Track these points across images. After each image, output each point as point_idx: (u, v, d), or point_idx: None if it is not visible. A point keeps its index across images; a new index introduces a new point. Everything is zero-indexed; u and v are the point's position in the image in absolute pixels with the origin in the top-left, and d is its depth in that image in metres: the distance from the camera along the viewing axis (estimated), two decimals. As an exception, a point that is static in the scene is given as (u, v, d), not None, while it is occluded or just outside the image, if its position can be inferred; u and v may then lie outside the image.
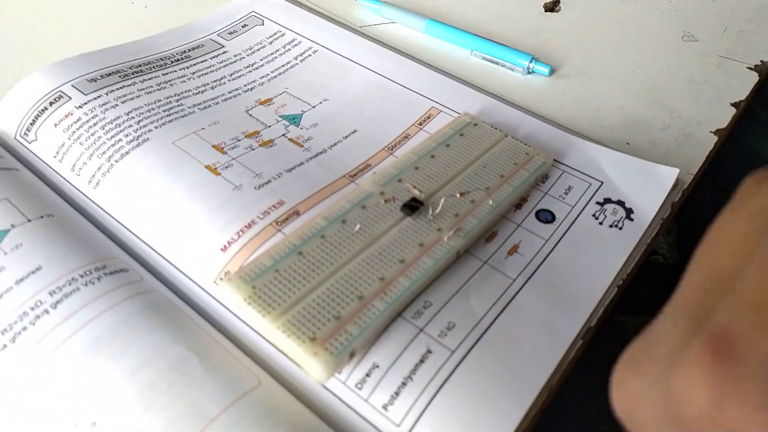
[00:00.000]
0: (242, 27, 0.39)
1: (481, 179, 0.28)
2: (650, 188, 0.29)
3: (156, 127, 0.30)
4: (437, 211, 0.26)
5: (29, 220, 0.25)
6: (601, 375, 0.38)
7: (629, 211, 0.28)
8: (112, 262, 0.25)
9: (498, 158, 0.29)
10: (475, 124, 0.31)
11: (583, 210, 0.28)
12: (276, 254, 0.23)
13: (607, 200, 0.28)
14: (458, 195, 0.26)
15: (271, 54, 0.37)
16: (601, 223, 0.27)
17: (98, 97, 0.31)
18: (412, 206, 0.26)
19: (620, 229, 0.27)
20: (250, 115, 0.32)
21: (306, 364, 0.21)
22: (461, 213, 0.26)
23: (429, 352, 0.22)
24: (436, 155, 0.29)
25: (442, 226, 0.25)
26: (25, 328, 0.22)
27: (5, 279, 0.23)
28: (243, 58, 0.37)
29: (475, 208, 0.26)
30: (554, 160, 0.30)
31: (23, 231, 0.25)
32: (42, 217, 0.26)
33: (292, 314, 0.22)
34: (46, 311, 0.22)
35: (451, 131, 0.30)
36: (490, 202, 0.27)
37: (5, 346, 0.21)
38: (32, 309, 0.22)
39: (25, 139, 0.31)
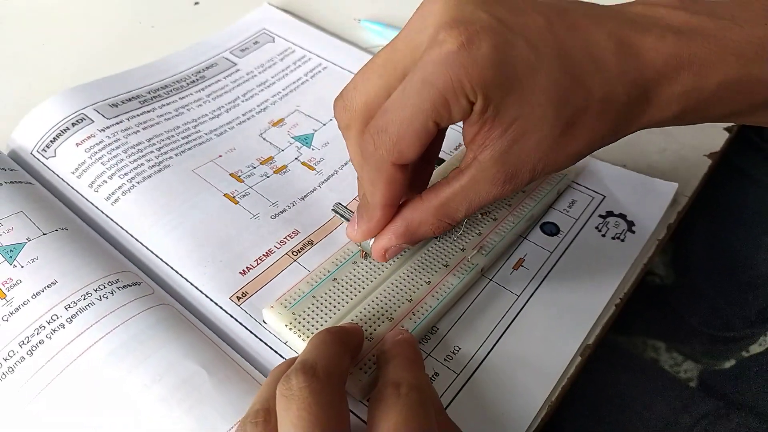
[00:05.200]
0: (254, 44, 0.40)
1: (503, 198, 0.28)
2: (651, 202, 0.29)
3: (176, 155, 0.31)
4: (460, 231, 0.27)
5: (44, 234, 0.26)
6: (600, 396, 0.38)
7: (631, 224, 0.28)
8: (124, 276, 0.25)
9: None
10: None
11: (586, 223, 0.29)
12: (312, 281, 0.25)
13: (610, 213, 0.29)
14: (480, 215, 0.27)
15: (282, 71, 0.38)
16: (603, 236, 0.28)
17: (120, 122, 0.33)
18: None
19: (622, 241, 0.28)
20: (264, 139, 0.33)
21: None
22: (484, 231, 0.27)
23: (436, 374, 0.23)
24: None
25: (465, 245, 0.26)
26: (42, 342, 0.22)
27: (22, 293, 0.23)
28: (255, 76, 0.38)
29: (497, 226, 0.27)
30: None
31: (38, 245, 0.25)
32: (57, 230, 0.26)
33: None
34: (62, 325, 0.23)
35: None
36: (512, 219, 0.27)
37: (23, 358, 0.22)
38: (48, 323, 0.23)
39: (42, 155, 0.31)
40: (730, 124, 0.37)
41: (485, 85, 0.18)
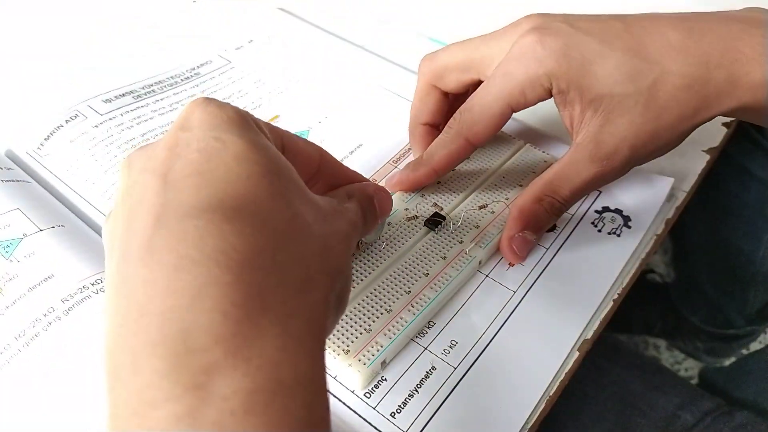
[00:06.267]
0: (248, 42, 0.40)
1: (501, 190, 0.29)
2: (647, 197, 0.29)
3: (170, 148, 0.31)
4: (458, 224, 0.27)
5: (41, 230, 0.26)
6: (602, 393, 0.38)
7: (627, 219, 0.28)
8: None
9: (517, 167, 0.30)
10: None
11: (582, 218, 0.28)
12: None
13: (606, 209, 0.29)
14: (477, 208, 0.27)
15: (278, 69, 0.38)
16: (600, 231, 0.28)
17: (113, 118, 0.33)
18: (435, 221, 0.27)
19: (618, 236, 0.28)
20: (258, 131, 0.33)
21: (342, 375, 0.22)
22: (482, 224, 0.27)
23: (433, 368, 0.23)
24: (457, 168, 0.29)
25: (463, 239, 0.26)
26: (37, 335, 0.22)
27: (18, 286, 0.24)
28: (250, 74, 0.38)
29: (494, 219, 0.27)
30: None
31: (35, 240, 0.25)
32: (53, 227, 0.26)
33: None
34: (59, 318, 0.23)
35: None
36: (509, 212, 0.27)
37: (19, 351, 0.22)
38: (45, 315, 0.23)
39: (38, 154, 0.32)
40: (729, 120, 0.37)
41: (556, 71, 0.23)
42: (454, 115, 0.27)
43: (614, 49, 0.23)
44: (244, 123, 0.16)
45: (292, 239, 0.14)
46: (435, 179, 0.28)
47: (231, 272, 0.13)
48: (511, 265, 0.26)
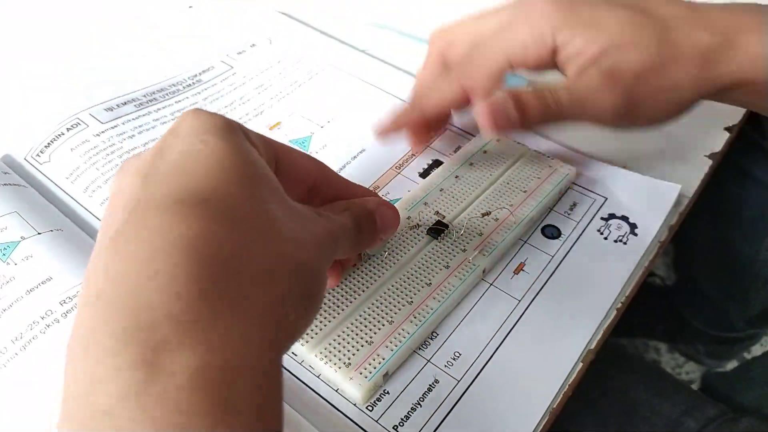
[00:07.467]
0: (251, 46, 0.40)
1: (504, 197, 0.28)
2: (653, 204, 0.29)
3: (172, 159, 0.31)
4: (461, 232, 0.26)
5: (39, 233, 0.26)
6: (605, 399, 0.38)
7: (633, 226, 0.28)
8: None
9: (521, 173, 0.29)
10: (498, 140, 0.31)
11: (588, 225, 0.28)
12: None
13: (612, 216, 0.29)
14: (481, 216, 0.27)
15: (280, 73, 0.38)
16: (605, 238, 0.28)
17: (115, 126, 0.33)
18: (437, 229, 0.26)
19: (625, 243, 0.27)
20: (262, 142, 0.33)
21: (343, 388, 0.22)
22: (485, 232, 0.26)
23: (436, 381, 0.22)
24: (460, 175, 0.29)
25: (466, 247, 0.26)
26: (35, 337, 0.22)
27: (16, 289, 0.23)
28: (252, 78, 0.37)
29: (498, 227, 0.27)
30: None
31: (33, 243, 0.25)
32: (51, 230, 0.26)
33: (329, 342, 0.22)
34: (57, 320, 0.22)
35: (475, 148, 0.31)
36: (513, 219, 0.27)
37: (16, 354, 0.21)
38: (42, 318, 0.22)
39: (36, 161, 0.31)
40: (731, 124, 0.37)
41: (562, 25, 0.25)
42: (452, 65, 0.27)
43: (624, 7, 0.25)
44: (231, 129, 0.16)
45: (257, 231, 0.14)
46: (422, 125, 0.28)
47: (189, 257, 0.13)
48: (516, 273, 0.26)
